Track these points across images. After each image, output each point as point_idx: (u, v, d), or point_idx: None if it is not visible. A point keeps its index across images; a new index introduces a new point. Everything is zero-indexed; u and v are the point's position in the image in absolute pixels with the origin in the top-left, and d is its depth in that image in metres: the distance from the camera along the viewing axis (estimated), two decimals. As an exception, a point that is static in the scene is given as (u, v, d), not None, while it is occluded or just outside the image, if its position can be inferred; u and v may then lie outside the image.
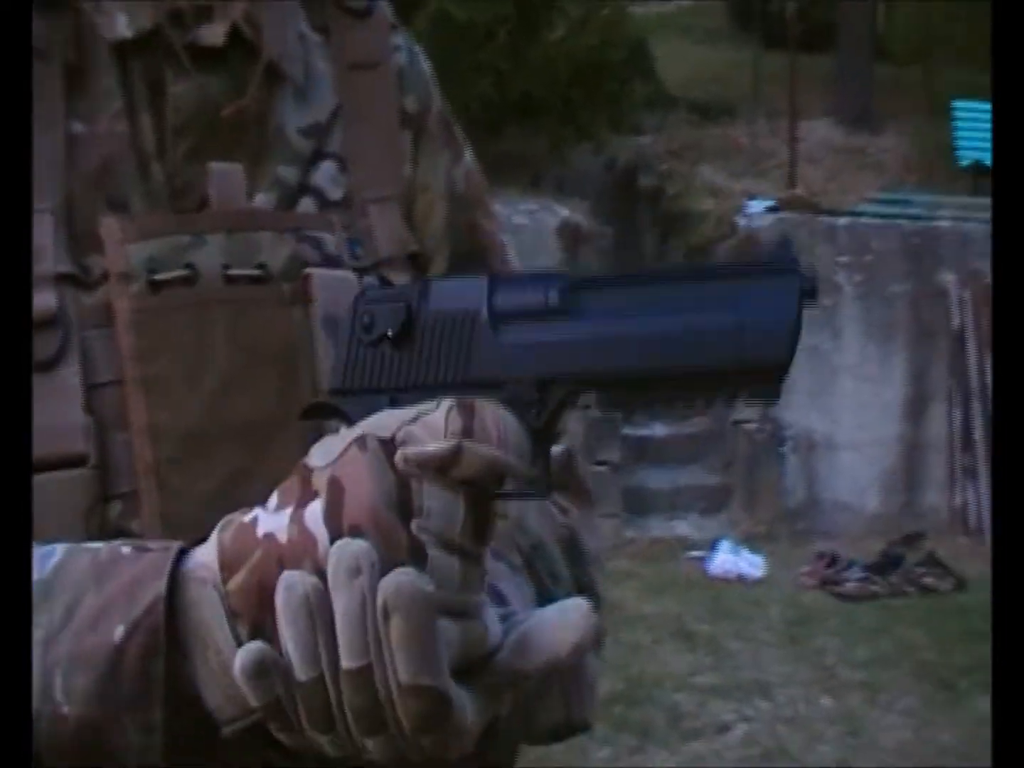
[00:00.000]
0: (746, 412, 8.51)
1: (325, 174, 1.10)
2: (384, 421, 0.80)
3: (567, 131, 11.20)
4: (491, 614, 0.80)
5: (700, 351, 0.78)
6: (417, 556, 0.75)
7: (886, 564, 7.61)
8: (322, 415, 0.90)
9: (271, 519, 0.79)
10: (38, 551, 0.87)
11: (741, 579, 7.49)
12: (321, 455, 0.80)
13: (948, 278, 8.89)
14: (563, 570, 1.04)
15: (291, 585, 0.75)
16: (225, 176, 1.03)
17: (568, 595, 0.94)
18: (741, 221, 9.03)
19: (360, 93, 1.15)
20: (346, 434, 0.80)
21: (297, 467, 0.81)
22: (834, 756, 5.00)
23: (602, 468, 8.29)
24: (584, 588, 1.05)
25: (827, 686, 5.77)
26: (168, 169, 1.03)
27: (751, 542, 8.03)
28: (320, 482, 0.78)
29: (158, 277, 0.98)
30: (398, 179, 1.15)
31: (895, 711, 5.49)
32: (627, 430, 8.69)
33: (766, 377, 0.78)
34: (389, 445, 0.77)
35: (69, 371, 0.96)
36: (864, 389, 8.81)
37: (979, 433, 8.67)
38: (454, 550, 0.76)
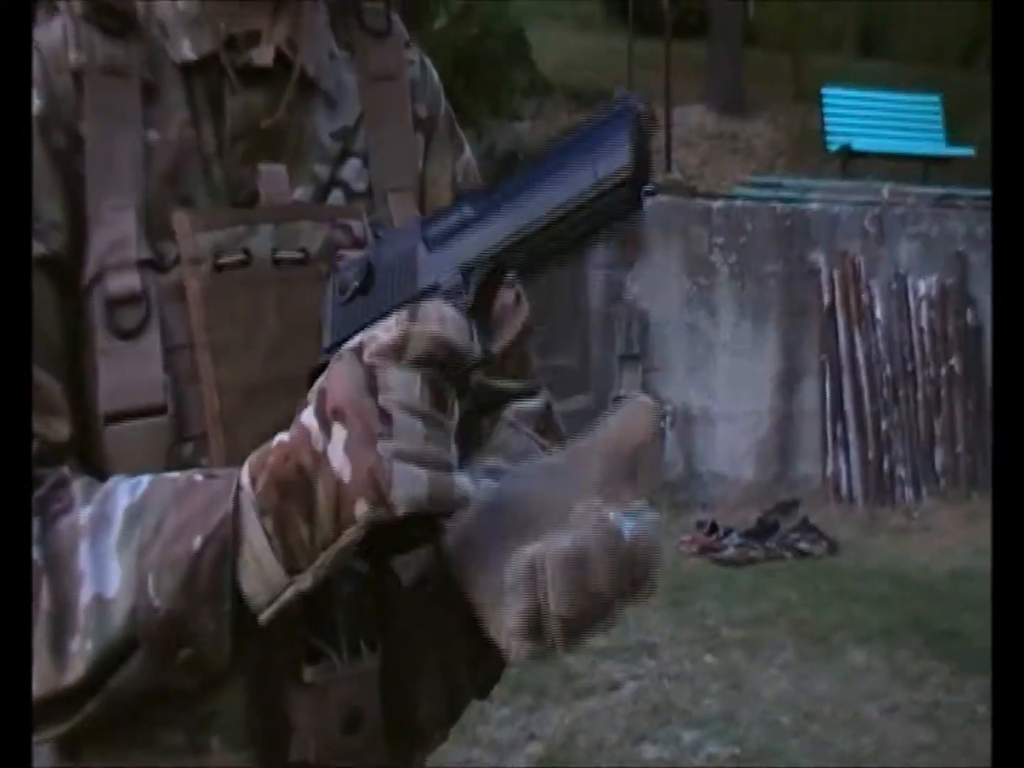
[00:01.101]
0: (626, 389, 8.62)
1: (351, 170, 1.27)
2: (355, 339, 1.00)
3: (448, 117, 11.25)
4: (462, 476, 1.00)
5: (566, 191, 0.92)
6: (383, 419, 0.94)
7: (762, 531, 7.79)
8: (326, 365, 1.05)
9: (281, 434, 1.00)
10: (128, 482, 1.06)
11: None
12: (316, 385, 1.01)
13: (818, 258, 9.12)
14: None
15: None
16: (272, 175, 1.20)
17: None
18: None
19: (380, 101, 1.32)
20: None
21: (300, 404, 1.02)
22: (719, 708, 5.16)
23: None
24: None
25: (709, 645, 5.92)
26: (226, 169, 1.20)
27: None
28: (311, 394, 1.00)
29: (221, 261, 1.14)
30: (412, 173, 1.32)
31: (774, 665, 5.66)
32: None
33: (623, 188, 0.91)
34: (358, 350, 0.97)
35: (151, 338, 1.12)
36: (739, 364, 8.97)
37: (849, 405, 8.97)
38: (416, 414, 0.95)
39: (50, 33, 1.18)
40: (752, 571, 7.23)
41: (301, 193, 1.23)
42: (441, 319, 0.95)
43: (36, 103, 1.14)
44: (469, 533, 1.06)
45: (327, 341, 1.08)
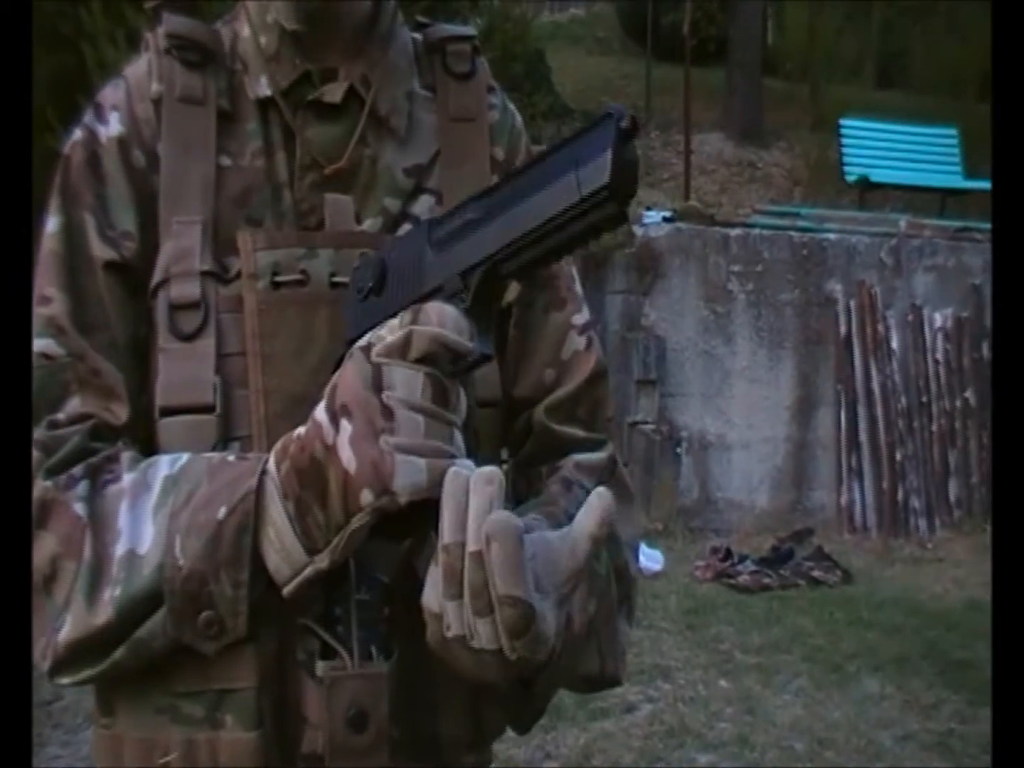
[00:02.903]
0: (642, 414, 8.67)
1: (423, 205, 1.33)
2: (365, 338, 1.09)
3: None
4: (467, 461, 1.05)
5: (555, 203, 0.98)
6: (386, 415, 1.03)
7: (777, 558, 7.80)
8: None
9: (301, 427, 1.09)
10: (170, 456, 1.17)
11: (640, 572, 7.52)
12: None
13: (835, 288, 9.15)
14: (603, 552, 1.22)
15: (458, 472, 1.01)
16: (337, 204, 1.28)
17: (607, 571, 1.23)
18: (638, 230, 9.05)
19: (458, 141, 1.37)
20: None
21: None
22: (733, 732, 5.17)
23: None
24: (619, 568, 1.27)
25: (724, 669, 5.93)
26: (296, 196, 1.29)
27: (648, 539, 8.03)
28: (324, 390, 1.08)
29: (278, 279, 1.23)
30: None
31: (788, 691, 5.67)
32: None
33: (607, 202, 0.95)
34: (367, 349, 1.06)
35: (206, 343, 1.22)
36: (755, 392, 9.00)
37: (864, 435, 8.99)
38: (417, 411, 1.04)
39: (137, 67, 1.32)
40: (766, 598, 7.23)
41: (370, 224, 1.30)
42: (442, 319, 1.04)
43: (117, 127, 1.28)
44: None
45: (349, 335, 1.15)
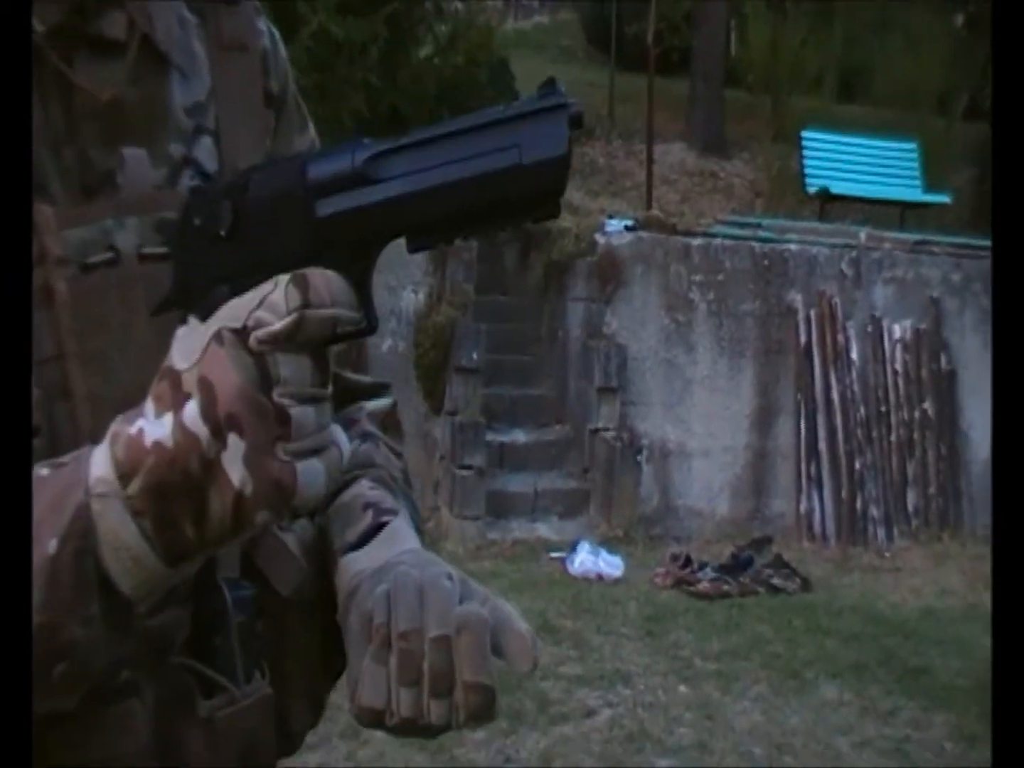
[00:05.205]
0: (604, 421, 8.73)
1: (204, 148, 1.15)
2: (233, 312, 0.88)
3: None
4: (339, 432, 0.92)
5: (490, 189, 0.86)
6: (282, 420, 0.86)
7: (736, 565, 7.82)
8: (171, 309, 0.97)
9: (155, 427, 0.88)
10: None
11: (601, 578, 7.60)
12: (183, 355, 0.89)
13: (796, 298, 9.23)
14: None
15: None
16: (134, 160, 1.08)
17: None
18: (600, 239, 9.11)
19: (231, 74, 1.20)
20: (201, 330, 0.89)
21: (163, 371, 0.90)
22: (692, 738, 5.21)
23: (467, 472, 8.46)
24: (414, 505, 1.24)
25: (683, 675, 5.97)
26: (78, 152, 1.06)
27: (609, 545, 8.15)
28: (190, 383, 0.87)
29: (89, 261, 1.04)
30: (263, 152, 1.21)
31: (747, 697, 5.72)
32: (490, 436, 8.78)
33: (548, 199, 0.87)
34: (242, 333, 0.86)
35: None
36: (716, 401, 9.05)
37: (823, 444, 9.06)
38: (308, 401, 0.88)
39: None
40: (726, 605, 7.26)
41: (156, 176, 1.11)
42: (334, 296, 0.87)
43: None
44: (358, 582, 1.05)
45: (178, 279, 0.98)
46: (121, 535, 0.89)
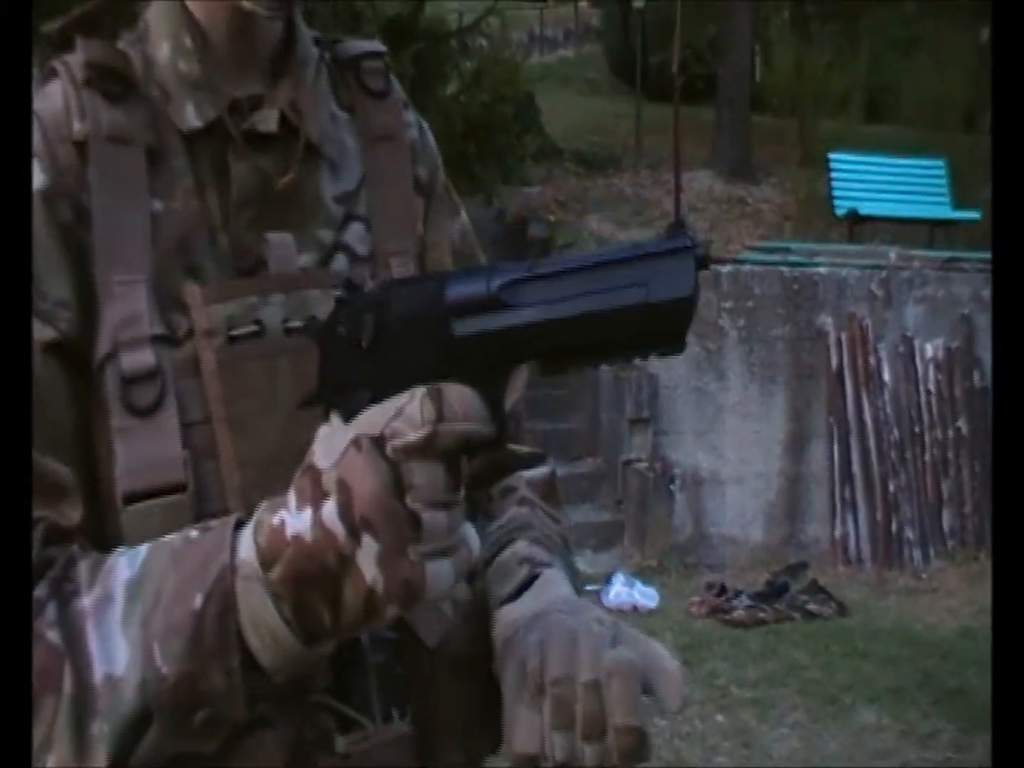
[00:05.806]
0: (636, 452, 8.69)
1: (354, 234, 1.25)
2: (371, 419, 0.95)
3: (461, 183, 11.35)
4: (469, 531, 0.98)
5: (617, 323, 0.92)
6: (414, 524, 0.92)
7: (772, 592, 7.78)
8: (314, 404, 1.05)
9: (295, 521, 0.95)
10: (127, 554, 1.03)
11: (636, 609, 7.56)
12: (324, 454, 0.97)
13: (826, 321, 9.16)
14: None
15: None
16: (280, 244, 1.18)
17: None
18: None
19: (382, 163, 1.29)
20: (342, 433, 0.97)
21: (305, 467, 0.98)
22: (730, 766, 5.20)
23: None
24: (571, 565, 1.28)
25: (720, 704, 5.95)
26: (232, 238, 1.17)
27: (643, 576, 8.11)
28: (329, 483, 0.94)
29: (234, 333, 1.13)
30: (413, 237, 1.30)
31: (784, 724, 5.69)
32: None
33: (672, 339, 0.93)
34: (379, 441, 0.93)
35: (167, 414, 1.10)
36: (748, 427, 8.99)
37: (857, 467, 8.99)
38: (440, 506, 0.93)
39: (50, 100, 1.15)
40: (762, 632, 7.23)
41: (306, 259, 1.21)
42: (467, 412, 0.93)
43: (40, 176, 1.11)
44: (513, 632, 1.10)
45: (323, 380, 1.06)
46: (262, 615, 0.97)
